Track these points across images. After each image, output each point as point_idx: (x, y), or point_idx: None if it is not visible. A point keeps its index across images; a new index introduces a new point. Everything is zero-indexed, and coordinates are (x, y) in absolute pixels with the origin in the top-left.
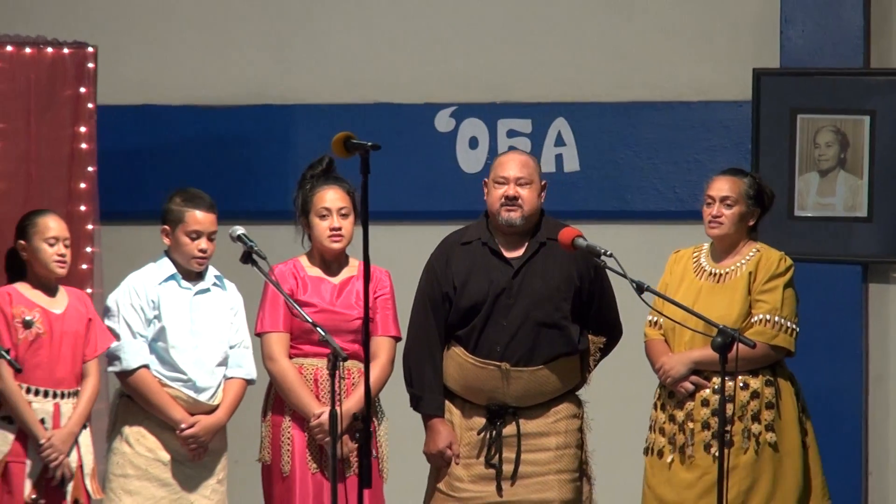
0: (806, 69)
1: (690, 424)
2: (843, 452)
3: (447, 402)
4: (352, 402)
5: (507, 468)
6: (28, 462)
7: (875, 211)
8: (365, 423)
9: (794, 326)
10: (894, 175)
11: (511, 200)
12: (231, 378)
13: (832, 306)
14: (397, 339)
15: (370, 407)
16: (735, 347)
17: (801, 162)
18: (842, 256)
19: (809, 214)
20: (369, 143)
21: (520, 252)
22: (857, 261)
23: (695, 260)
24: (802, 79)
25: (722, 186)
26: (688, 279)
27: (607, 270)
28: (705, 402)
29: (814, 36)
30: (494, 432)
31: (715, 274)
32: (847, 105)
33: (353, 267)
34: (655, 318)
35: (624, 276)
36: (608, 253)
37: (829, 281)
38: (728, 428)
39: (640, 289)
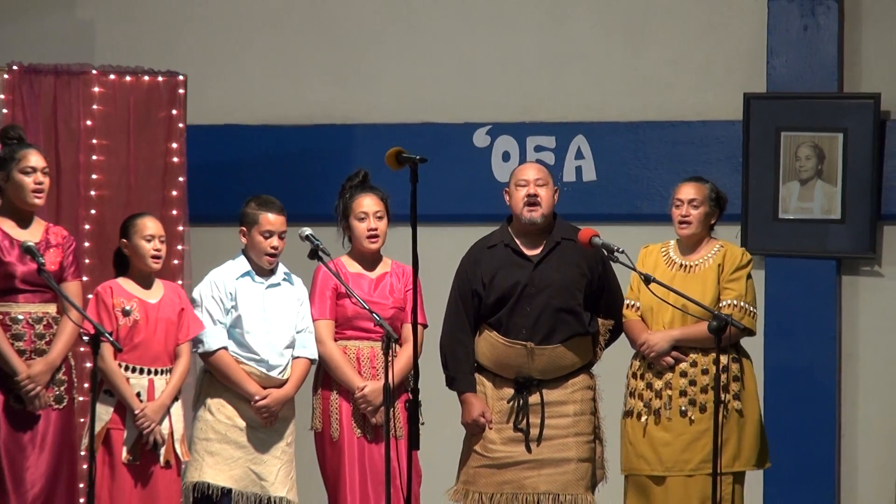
0: (788, 93)
1: (668, 392)
2: (820, 418)
3: (481, 377)
4: (393, 374)
5: (533, 432)
6: (125, 429)
7: (847, 214)
8: (414, 394)
9: (754, 310)
10: (863, 183)
11: (532, 198)
12: (297, 357)
13: (810, 295)
14: (425, 326)
15: (417, 380)
16: (728, 330)
17: (784, 172)
18: (819, 253)
19: (791, 217)
20: (417, 157)
21: (538, 251)
22: (832, 257)
23: (664, 254)
24: (785, 102)
25: (689, 191)
26: (660, 269)
27: (616, 264)
28: (683, 374)
29: (795, 65)
30: (522, 401)
31: (685, 266)
32: (823, 124)
33: (387, 264)
34: (633, 302)
35: (633, 269)
36: (620, 250)
37: (807, 274)
38: (703, 396)
39: (647, 280)
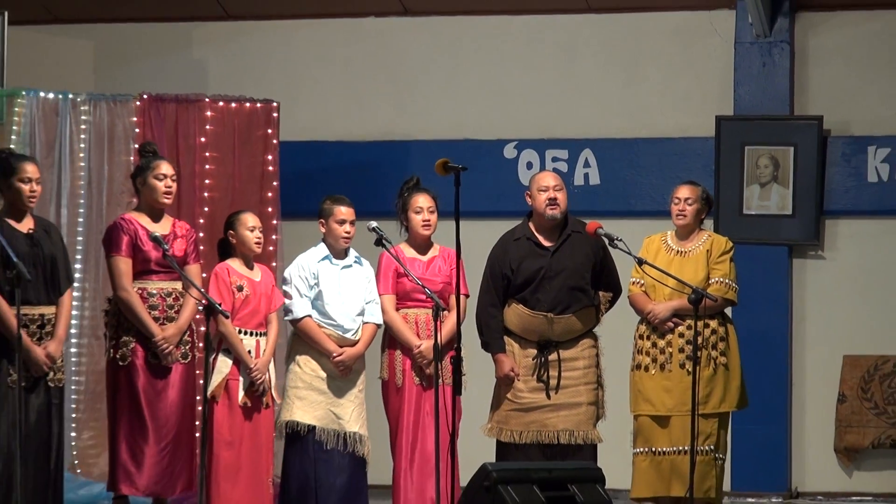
0: (751, 116)
1: (669, 349)
2: (775, 370)
3: (509, 340)
4: (442, 335)
5: (552, 382)
6: (241, 379)
7: (797, 210)
8: (457, 351)
9: (736, 286)
10: (809, 186)
11: (553, 200)
12: (366, 323)
13: (768, 274)
14: (467, 296)
15: (460, 339)
16: (703, 301)
17: (748, 178)
18: (775, 241)
19: (753, 213)
20: (460, 166)
21: (553, 242)
22: (785, 244)
23: (663, 242)
24: (748, 122)
25: (685, 191)
26: (661, 255)
27: (614, 249)
28: (681, 335)
29: (756, 94)
30: (543, 358)
31: (680, 252)
32: (778, 140)
33: (436, 249)
34: (639, 280)
35: (629, 253)
36: (619, 239)
37: (766, 257)
38: (699, 353)
39: (640, 262)
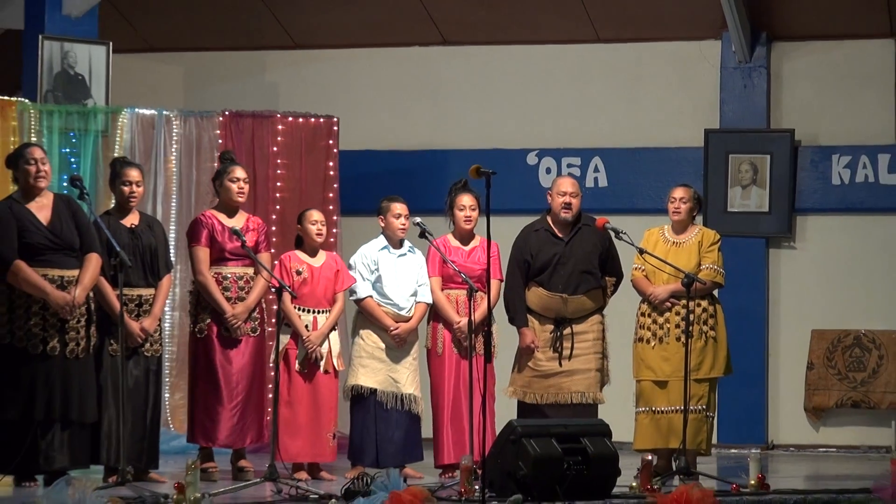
0: (734, 129)
1: (667, 325)
2: (755, 343)
3: (530, 316)
4: (476, 314)
5: (566, 352)
6: (298, 349)
7: (773, 208)
8: (488, 326)
9: (723, 271)
10: (783, 188)
11: (567, 205)
12: (419, 302)
13: (749, 262)
14: (501, 280)
15: (490, 314)
16: (695, 284)
17: (731, 181)
18: (754, 234)
19: (736, 210)
20: (490, 171)
21: (567, 234)
22: (762, 236)
23: (661, 234)
24: (732, 134)
25: (680, 192)
26: (659, 245)
27: (619, 240)
28: (677, 313)
29: (738, 110)
30: (559, 332)
31: (676, 242)
32: (757, 149)
33: (477, 240)
34: (641, 266)
35: (632, 244)
36: (623, 232)
37: (747, 247)
38: (692, 328)
39: (641, 251)
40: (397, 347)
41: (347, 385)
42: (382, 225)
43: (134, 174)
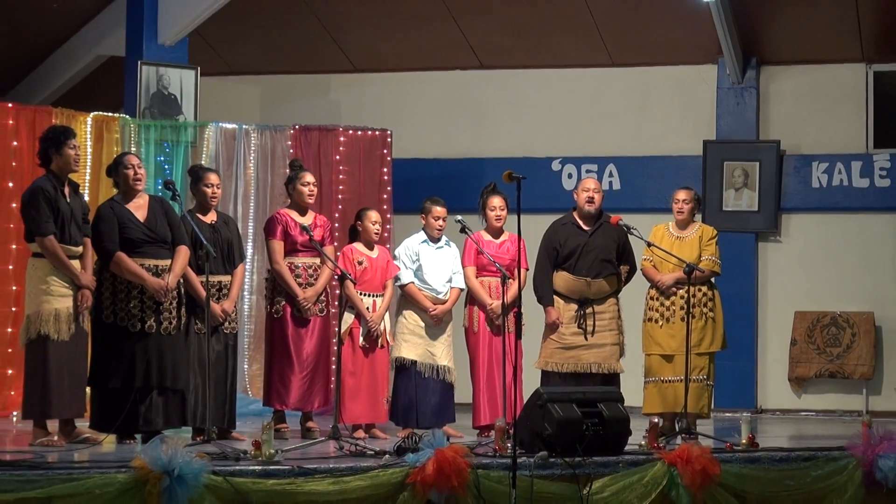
0: (728, 140)
1: (672, 307)
2: (746, 322)
3: (556, 297)
4: (507, 297)
5: (588, 328)
6: (360, 327)
7: (761, 208)
8: (518, 307)
9: (720, 262)
10: (770, 191)
11: (591, 199)
12: (453, 287)
13: (741, 254)
14: (527, 269)
15: (520, 297)
16: (695, 273)
17: (726, 184)
18: (745, 230)
19: (730, 209)
20: (521, 176)
21: (590, 227)
22: (753, 232)
23: (666, 230)
24: (726, 145)
25: (682, 194)
26: (665, 239)
27: (632, 236)
28: (681, 297)
29: (732, 124)
30: (582, 311)
31: (679, 237)
32: (748, 157)
33: (506, 235)
34: (649, 258)
35: (642, 238)
36: (634, 228)
37: (739, 241)
38: (693, 310)
39: (649, 245)
40: (434, 325)
41: (392, 357)
42: (423, 222)
43: (213, 178)
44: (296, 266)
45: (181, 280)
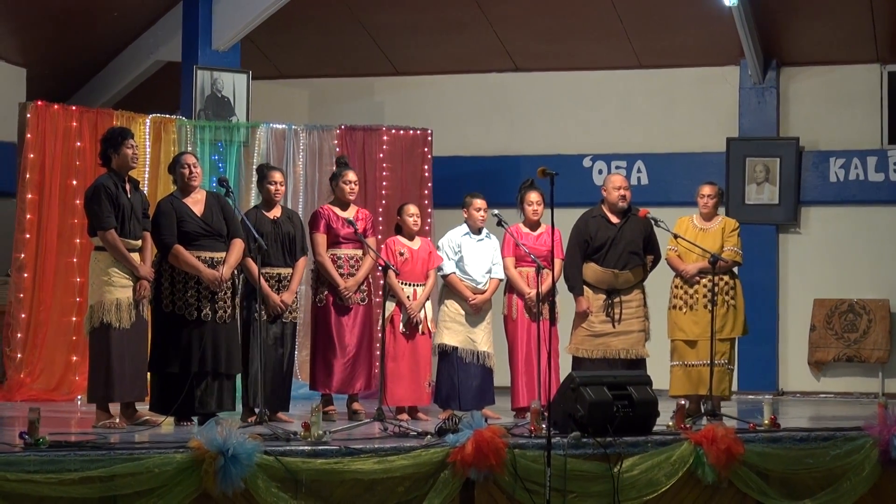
0: (750, 137)
1: (696, 295)
2: (767, 309)
3: (586, 287)
4: (543, 286)
5: (616, 316)
6: (401, 315)
7: (782, 201)
8: (553, 296)
9: (741, 252)
10: (790, 185)
11: (624, 196)
12: (493, 278)
13: (762, 245)
14: (562, 259)
15: (555, 286)
16: (718, 263)
17: (748, 179)
18: (767, 222)
19: (752, 203)
20: (554, 172)
21: (618, 220)
22: (774, 224)
23: (691, 222)
24: (748, 142)
25: (707, 189)
26: (689, 231)
27: (657, 227)
28: (705, 286)
29: (753, 122)
30: (610, 300)
31: (703, 229)
32: (769, 153)
33: (542, 227)
34: (674, 248)
35: (668, 230)
36: (661, 220)
37: (761, 233)
38: (716, 297)
39: (675, 236)
40: (475, 314)
41: (435, 343)
42: (465, 216)
43: (277, 176)
44: (338, 257)
45: (236, 271)
